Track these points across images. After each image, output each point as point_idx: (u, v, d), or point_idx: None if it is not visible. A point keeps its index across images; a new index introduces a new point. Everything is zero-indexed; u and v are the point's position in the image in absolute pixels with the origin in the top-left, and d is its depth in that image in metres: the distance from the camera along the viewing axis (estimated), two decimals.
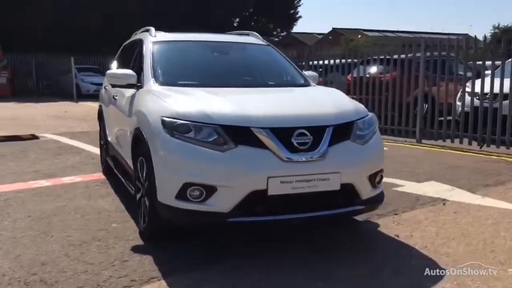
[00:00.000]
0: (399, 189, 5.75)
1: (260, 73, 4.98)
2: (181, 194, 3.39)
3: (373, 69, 11.15)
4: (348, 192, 3.63)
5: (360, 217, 4.61)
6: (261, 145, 3.41)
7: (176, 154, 3.45)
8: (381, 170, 3.93)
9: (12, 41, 24.78)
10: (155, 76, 4.41)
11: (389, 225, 4.48)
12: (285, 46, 29.58)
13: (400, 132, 10.22)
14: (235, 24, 38.42)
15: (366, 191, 3.75)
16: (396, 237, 4.17)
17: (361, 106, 4.18)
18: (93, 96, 22.23)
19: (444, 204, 5.16)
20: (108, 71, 4.55)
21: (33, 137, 10.06)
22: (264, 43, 5.39)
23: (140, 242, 3.97)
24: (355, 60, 11.45)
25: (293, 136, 3.46)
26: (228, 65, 4.98)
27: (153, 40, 4.92)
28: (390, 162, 7.34)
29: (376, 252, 3.88)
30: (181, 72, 4.64)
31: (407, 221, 4.58)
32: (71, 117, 14.74)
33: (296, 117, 3.64)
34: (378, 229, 4.39)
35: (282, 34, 43.39)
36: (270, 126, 3.45)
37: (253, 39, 5.48)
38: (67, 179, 6.19)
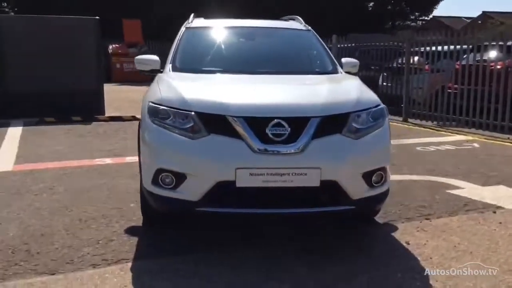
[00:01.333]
0: (453, 191, 5.15)
1: (285, 59, 4.75)
2: (155, 180, 3.41)
3: (489, 56, 9.97)
4: (331, 190, 3.34)
5: (381, 218, 4.25)
6: (234, 134, 3.27)
7: (152, 139, 3.47)
8: (382, 169, 3.54)
9: (154, 30, 26.71)
10: (173, 62, 4.47)
11: (408, 230, 4.05)
12: (425, 30, 27.79)
13: (503, 128, 9.09)
14: (369, 8, 37.21)
15: (357, 191, 3.42)
16: (405, 244, 3.76)
17: (367, 97, 3.79)
18: None
19: (494, 212, 4.52)
20: (136, 57, 4.71)
21: (133, 118, 10.79)
22: (304, 28, 5.14)
23: (139, 224, 4.08)
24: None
25: (268, 127, 3.27)
26: (253, 51, 4.85)
27: (186, 26, 4.98)
28: (468, 161, 6.66)
29: (365, 257, 3.52)
30: (200, 58, 4.63)
31: (434, 227, 4.10)
32: None
33: (274, 106, 3.42)
34: (393, 233, 3.99)
35: (421, 18, 41.04)
36: (244, 115, 3.29)
37: (294, 23, 5.27)
38: (129, 159, 6.54)
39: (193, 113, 3.37)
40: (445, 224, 4.19)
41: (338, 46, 12.89)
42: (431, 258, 3.50)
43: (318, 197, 3.39)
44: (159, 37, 25.61)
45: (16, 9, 31.67)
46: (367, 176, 3.46)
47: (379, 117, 3.67)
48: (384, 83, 11.71)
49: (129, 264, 3.34)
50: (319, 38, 5.00)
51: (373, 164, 3.50)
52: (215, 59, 4.62)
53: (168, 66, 4.43)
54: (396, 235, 3.95)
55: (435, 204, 4.70)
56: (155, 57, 4.62)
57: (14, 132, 8.76)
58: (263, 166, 3.23)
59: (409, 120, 10.59)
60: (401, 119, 10.70)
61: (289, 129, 3.27)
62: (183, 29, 4.97)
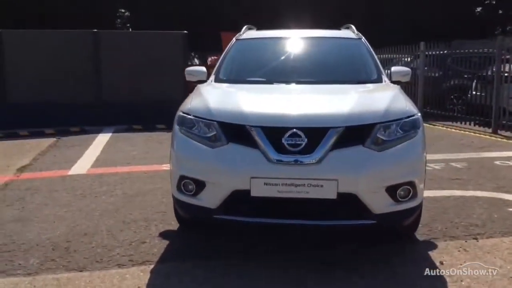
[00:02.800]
0: None
1: (327, 68, 4.66)
2: (179, 187, 3.54)
3: None
4: (350, 203, 3.25)
5: (424, 235, 4.04)
6: (252, 144, 3.30)
7: (177, 147, 3.61)
8: (410, 183, 3.37)
9: None
10: (217, 73, 4.61)
11: (448, 249, 3.79)
12: None
13: None
14: (477, 13, 35.07)
15: (379, 205, 3.29)
16: (439, 264, 3.53)
17: (399, 107, 3.61)
18: None
19: None
20: (187, 68, 4.90)
21: None
22: (354, 37, 5.03)
23: (175, 228, 4.24)
24: None
25: (284, 137, 3.26)
26: (296, 61, 4.84)
27: (237, 38, 5.11)
28: None
29: (391, 275, 3.36)
30: (243, 69, 4.72)
31: (479, 248, 3.81)
32: None
33: (292, 117, 3.40)
34: (430, 251, 3.76)
35: None
36: (261, 125, 3.32)
37: (345, 32, 5.18)
38: None
39: (215, 122, 3.45)
40: (494, 245, 3.87)
41: (426, 53, 12.30)
42: (461, 281, 3.27)
43: (336, 210, 3.30)
44: None
45: (128, 25, 33.80)
46: (391, 190, 3.31)
47: (411, 128, 3.51)
48: (474, 92, 11.01)
49: (151, 267, 3.49)
50: (369, 46, 4.87)
51: (398, 178, 3.35)
52: (257, 70, 4.68)
53: (212, 77, 4.57)
54: (433, 253, 3.72)
55: (489, 223, 4.35)
56: (202, 69, 4.79)
57: (103, 138, 9.45)
58: (278, 176, 3.23)
59: (499, 132, 9.85)
60: (490, 130, 9.98)
61: (305, 139, 3.24)
62: (233, 40, 5.10)
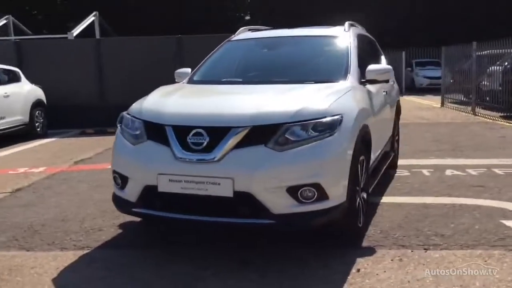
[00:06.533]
0: (508, 223, 4.23)
1: (290, 68, 4.56)
2: (113, 181, 3.84)
3: None
4: (247, 201, 3.26)
5: (373, 242, 3.85)
6: (165, 142, 3.48)
7: (114, 144, 3.91)
8: (314, 185, 3.27)
9: None
10: (193, 74, 4.83)
11: (382, 258, 3.57)
12: None
13: None
14: None
15: (279, 205, 3.26)
16: (356, 271, 3.36)
17: (317, 108, 3.48)
18: (426, 90, 22.19)
19: None
20: (176, 71, 5.15)
21: None
22: (338, 35, 4.85)
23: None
24: None
25: (189, 135, 3.39)
26: (264, 62, 4.84)
27: (228, 39, 5.26)
28: None
29: (293, 279, 3.29)
30: (215, 70, 4.85)
31: (417, 259, 3.52)
32: None
33: (197, 116, 3.49)
34: (360, 257, 3.57)
35: None
36: (172, 124, 3.48)
37: (333, 30, 5.01)
38: None
39: (141, 121, 3.69)
40: (437, 258, 3.54)
41: (478, 53, 11.38)
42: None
43: (234, 208, 3.34)
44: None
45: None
46: (292, 191, 3.26)
47: (326, 129, 3.40)
48: None
49: (85, 252, 3.83)
50: (353, 44, 4.65)
51: (300, 178, 3.28)
52: (225, 71, 4.81)
53: (187, 78, 4.79)
54: (360, 260, 3.53)
55: (460, 235, 3.96)
56: (187, 70, 5.02)
57: None
58: (180, 173, 3.36)
59: None
60: None
61: (207, 138, 3.33)
62: (224, 42, 5.26)
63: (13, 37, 22.06)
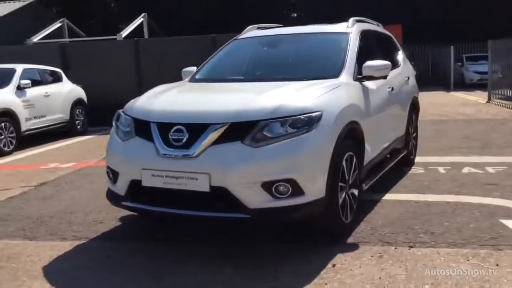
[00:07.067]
0: (507, 222, 4.10)
1: (286, 66, 4.60)
2: (107, 175, 4.03)
3: None
4: (223, 196, 3.35)
5: (360, 238, 3.86)
6: (150, 138, 3.64)
7: (108, 141, 4.09)
8: (289, 180, 3.32)
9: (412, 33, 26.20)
10: (196, 72, 4.96)
11: (362, 254, 3.57)
12: None
13: None
14: None
15: (254, 200, 3.33)
16: (332, 266, 3.39)
17: (295, 105, 3.51)
18: (476, 86, 21.40)
19: None
20: (183, 69, 5.29)
21: None
22: (341, 31, 4.82)
23: None
24: None
25: (170, 132, 3.52)
26: (262, 60, 4.91)
27: (235, 38, 5.36)
28: None
29: (274, 271, 3.35)
30: (216, 69, 4.95)
31: (397, 257, 3.49)
32: None
33: (178, 113, 3.61)
34: (342, 253, 3.57)
35: None
36: (156, 121, 3.63)
37: (336, 27, 4.99)
38: None
39: (131, 118, 3.86)
40: (419, 255, 3.50)
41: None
42: (326, 284, 3.13)
43: (211, 202, 3.43)
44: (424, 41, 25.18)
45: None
46: (267, 186, 3.33)
47: (304, 126, 3.44)
48: None
49: (80, 243, 4.04)
50: (354, 41, 4.63)
51: (275, 174, 3.33)
52: (225, 69, 4.90)
53: (189, 77, 4.93)
54: (340, 256, 3.54)
55: (451, 233, 3.88)
56: (193, 68, 5.16)
57: None
58: (162, 169, 3.50)
59: None
60: None
61: (187, 134, 3.45)
62: (231, 40, 5.36)
63: (67, 39, 23.10)
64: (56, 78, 11.17)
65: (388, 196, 4.95)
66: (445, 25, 26.79)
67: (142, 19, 22.76)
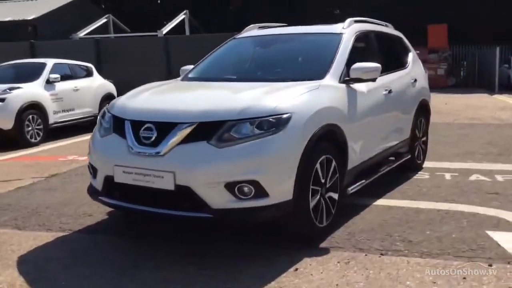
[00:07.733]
0: (492, 233, 3.94)
1: (275, 66, 4.58)
2: (88, 170, 4.16)
3: None
4: (187, 195, 3.39)
5: (332, 242, 3.82)
6: (124, 135, 3.72)
7: (91, 136, 4.20)
8: (251, 182, 3.31)
9: (458, 33, 25.42)
10: (190, 71, 5.02)
11: (330, 259, 3.53)
12: None
13: None
14: None
15: (218, 200, 3.35)
16: (294, 270, 3.37)
17: (264, 105, 3.50)
18: None
19: (491, 265, 3.38)
20: (182, 67, 5.35)
21: None
22: (334, 32, 4.75)
23: None
24: None
25: (141, 130, 3.59)
26: (251, 60, 4.90)
27: (233, 37, 5.38)
28: None
29: (239, 272, 3.37)
30: (208, 68, 4.98)
31: (363, 263, 3.43)
32: (440, 111, 14.43)
33: (148, 111, 3.67)
34: (309, 257, 3.54)
35: None
36: (130, 118, 3.71)
37: (330, 27, 4.92)
38: None
39: (111, 115, 3.96)
40: (390, 264, 3.43)
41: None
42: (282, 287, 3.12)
43: (176, 201, 3.48)
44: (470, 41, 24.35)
45: None
46: (230, 187, 3.34)
47: (271, 127, 3.43)
48: None
49: (63, 234, 4.19)
50: (346, 42, 4.56)
51: (238, 175, 3.34)
52: (216, 69, 4.93)
53: (182, 76, 5.00)
54: (307, 260, 3.51)
55: (434, 243, 3.76)
56: (190, 67, 5.22)
57: None
58: (132, 166, 3.58)
59: None
60: None
61: (156, 133, 3.51)
62: (230, 39, 5.39)
63: (112, 35, 23.73)
64: (87, 73, 11.52)
65: (380, 201, 4.84)
66: (491, 25, 25.78)
67: (183, 16, 23.09)
